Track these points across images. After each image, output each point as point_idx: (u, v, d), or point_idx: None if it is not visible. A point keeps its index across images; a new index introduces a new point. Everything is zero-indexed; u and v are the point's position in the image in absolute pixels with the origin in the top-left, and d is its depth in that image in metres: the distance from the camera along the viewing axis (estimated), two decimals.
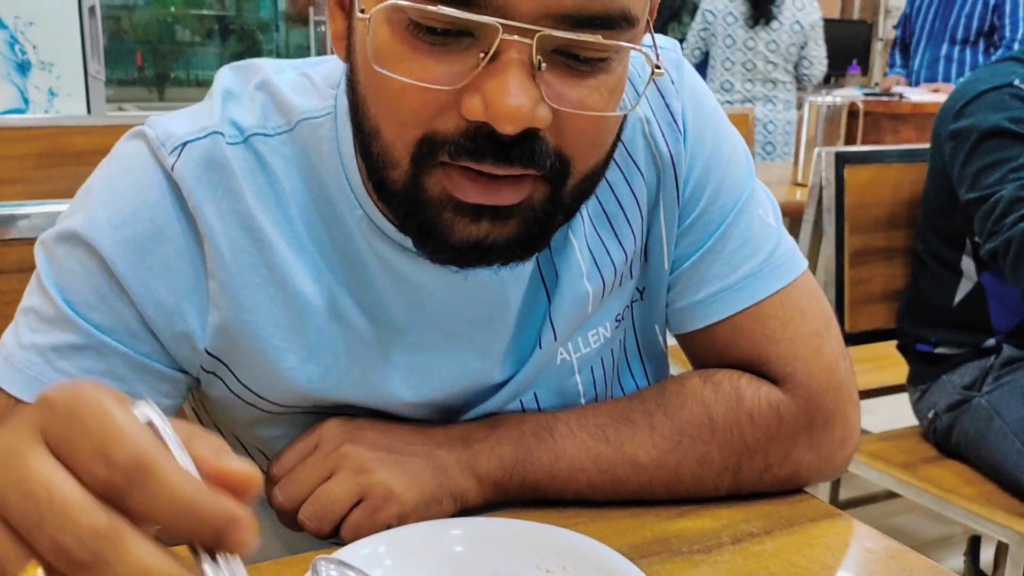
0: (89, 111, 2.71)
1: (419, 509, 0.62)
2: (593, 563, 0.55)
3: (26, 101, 2.67)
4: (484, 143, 0.50)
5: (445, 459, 0.64)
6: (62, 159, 1.60)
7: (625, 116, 0.58)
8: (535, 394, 0.69)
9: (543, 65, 0.49)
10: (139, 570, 0.31)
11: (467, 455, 0.64)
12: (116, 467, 0.31)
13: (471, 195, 0.52)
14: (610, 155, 0.57)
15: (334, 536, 0.62)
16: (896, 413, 1.78)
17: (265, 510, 0.67)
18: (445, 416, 0.67)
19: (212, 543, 0.32)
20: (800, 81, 3.44)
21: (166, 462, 0.32)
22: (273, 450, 0.66)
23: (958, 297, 1.44)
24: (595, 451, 0.65)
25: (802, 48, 3.36)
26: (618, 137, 0.57)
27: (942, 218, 1.44)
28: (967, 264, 1.42)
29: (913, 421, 1.55)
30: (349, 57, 0.56)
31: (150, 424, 0.34)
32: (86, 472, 0.32)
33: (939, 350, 1.47)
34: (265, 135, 0.61)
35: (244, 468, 0.34)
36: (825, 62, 3.42)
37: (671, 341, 0.77)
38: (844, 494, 2.01)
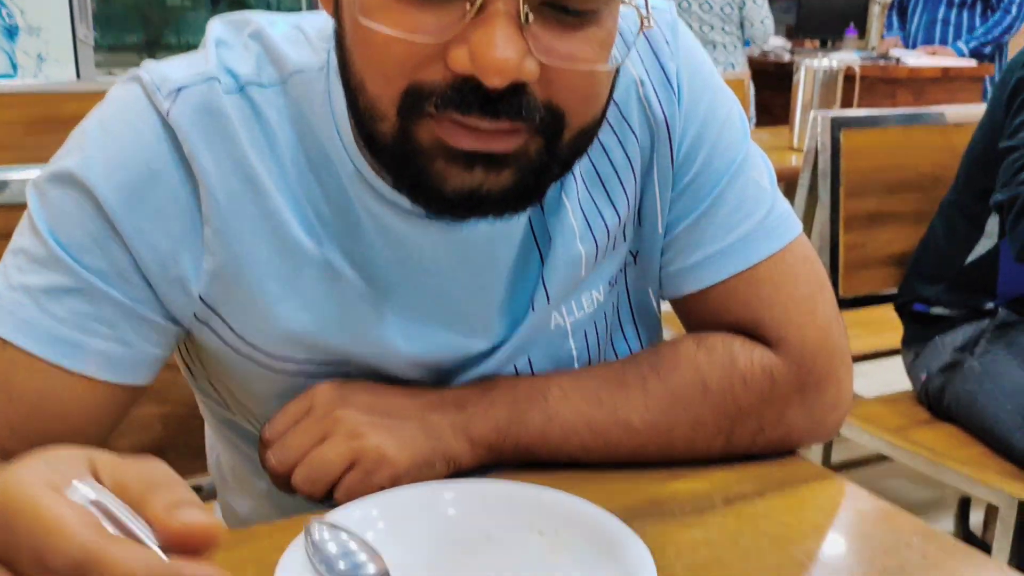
0: (79, 76, 2.68)
1: (412, 472, 0.62)
2: (586, 525, 0.55)
3: (14, 66, 2.65)
4: (471, 96, 0.50)
5: (438, 423, 0.64)
6: (53, 125, 1.58)
7: (617, 71, 0.57)
8: (529, 358, 0.69)
9: (531, 17, 0.49)
10: None
11: (460, 418, 0.64)
12: (57, 574, 0.30)
13: (463, 142, 0.52)
14: (604, 110, 0.57)
15: (328, 500, 0.63)
16: (889, 378, 1.79)
17: (259, 473, 0.67)
18: (439, 379, 0.67)
19: None
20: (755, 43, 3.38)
21: (109, 552, 0.30)
22: (266, 412, 0.66)
23: (972, 256, 1.42)
24: (588, 414, 0.66)
25: (741, 9, 3.30)
26: (611, 92, 0.57)
27: (981, 171, 1.41)
28: (992, 224, 1.40)
29: (906, 385, 1.56)
30: (336, 12, 0.55)
31: (95, 503, 0.32)
32: None
33: (935, 310, 1.46)
34: (260, 85, 0.60)
35: (203, 521, 0.32)
36: (769, 22, 3.31)
37: (665, 307, 0.77)
38: (836, 457, 2.02)
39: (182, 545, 0.31)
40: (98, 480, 0.33)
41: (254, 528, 0.62)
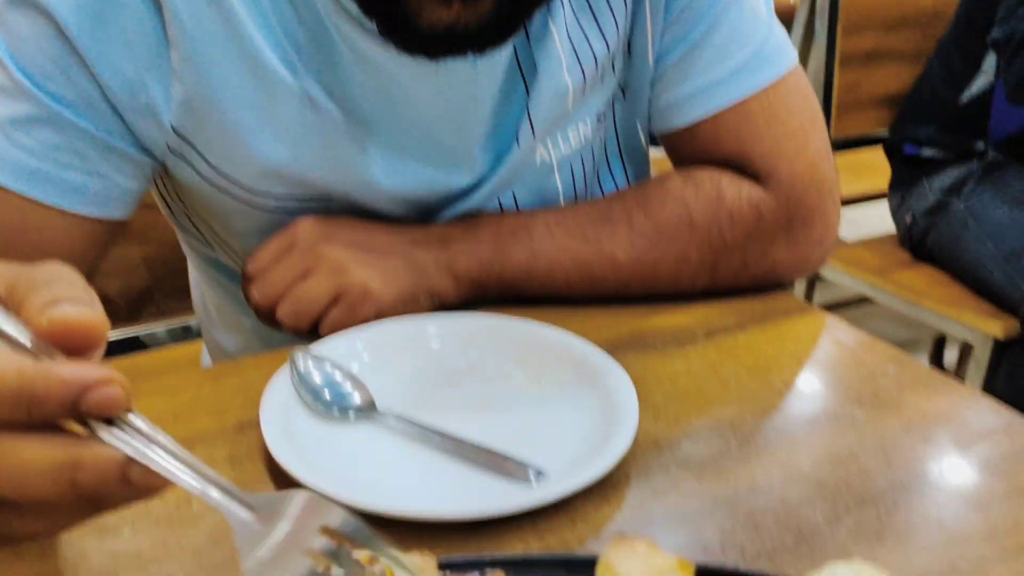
0: None
1: (396, 307, 0.62)
2: (569, 356, 0.56)
3: None
4: None
5: (423, 258, 0.63)
6: None
7: None
8: (513, 194, 0.68)
9: None
10: None
11: (445, 254, 0.64)
12: None
13: None
14: None
15: (313, 334, 0.63)
16: (873, 223, 1.79)
17: (244, 310, 0.67)
18: (422, 215, 0.66)
19: (78, 415, 0.28)
20: None
21: None
22: (247, 248, 0.65)
23: (967, 95, 1.40)
24: (573, 249, 0.65)
25: None
26: None
27: (981, 8, 1.37)
28: (989, 62, 1.38)
29: (889, 230, 1.56)
30: None
31: None
32: None
33: (925, 152, 1.45)
34: None
35: (82, 315, 0.29)
36: None
37: (653, 153, 0.76)
38: (818, 299, 2.05)
39: (60, 344, 0.29)
40: None
41: (241, 360, 0.63)
